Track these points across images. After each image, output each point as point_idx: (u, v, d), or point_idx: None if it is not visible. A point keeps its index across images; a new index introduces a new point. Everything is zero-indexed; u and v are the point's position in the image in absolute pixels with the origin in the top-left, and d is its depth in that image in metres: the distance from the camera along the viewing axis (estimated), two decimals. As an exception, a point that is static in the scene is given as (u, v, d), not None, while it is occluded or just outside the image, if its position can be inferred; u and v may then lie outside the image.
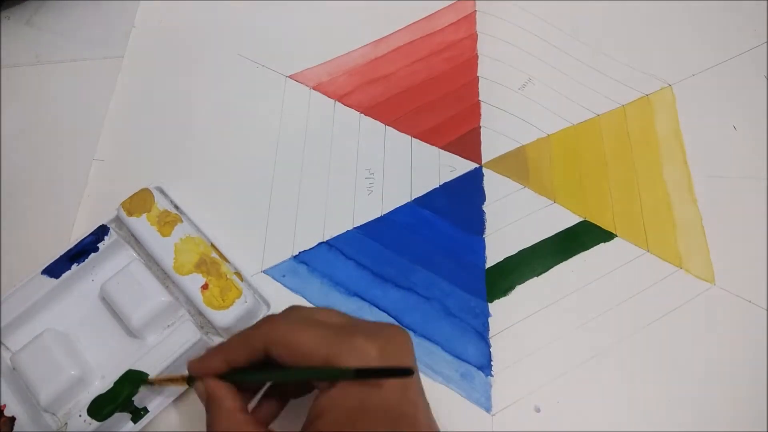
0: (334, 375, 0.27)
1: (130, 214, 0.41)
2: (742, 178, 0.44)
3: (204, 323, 0.39)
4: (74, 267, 0.40)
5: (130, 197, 0.42)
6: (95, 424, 0.34)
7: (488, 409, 0.37)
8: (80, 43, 0.53)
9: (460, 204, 0.44)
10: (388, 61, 0.51)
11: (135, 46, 0.52)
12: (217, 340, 0.39)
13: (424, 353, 0.39)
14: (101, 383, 0.37)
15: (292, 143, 0.47)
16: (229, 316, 0.38)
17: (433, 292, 0.41)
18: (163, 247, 0.40)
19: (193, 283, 0.39)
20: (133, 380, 0.35)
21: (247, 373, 0.29)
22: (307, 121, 0.48)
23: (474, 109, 0.48)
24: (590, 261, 0.42)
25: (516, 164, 0.45)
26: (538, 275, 0.41)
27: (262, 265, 0.42)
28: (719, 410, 0.37)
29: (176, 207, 0.43)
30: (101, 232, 0.41)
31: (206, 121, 0.48)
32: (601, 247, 0.42)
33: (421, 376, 0.38)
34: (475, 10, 0.53)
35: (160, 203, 0.42)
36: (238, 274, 0.40)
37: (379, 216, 0.44)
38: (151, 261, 0.40)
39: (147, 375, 0.36)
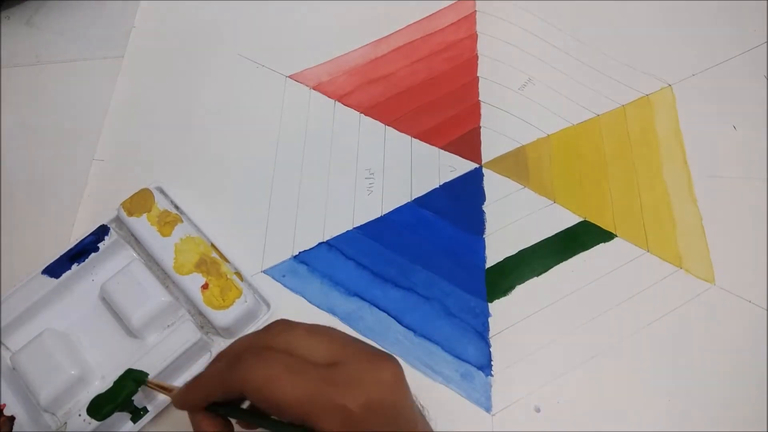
0: None
1: (130, 214, 0.41)
2: (742, 178, 0.44)
3: (204, 323, 0.39)
4: (74, 267, 0.40)
5: (131, 197, 0.42)
6: (95, 423, 0.35)
7: (488, 409, 0.37)
8: (80, 43, 0.53)
9: (460, 204, 0.44)
10: (388, 61, 0.51)
11: (135, 47, 0.52)
12: (217, 340, 0.39)
13: (424, 353, 0.39)
14: (101, 383, 0.37)
15: (292, 143, 0.47)
16: (229, 316, 0.38)
17: (433, 292, 0.41)
18: (164, 247, 0.40)
19: (193, 282, 0.39)
20: (133, 380, 0.35)
21: (229, 410, 0.29)
22: (307, 121, 0.48)
23: (474, 109, 0.48)
24: (590, 261, 0.42)
25: (516, 164, 0.45)
26: (538, 275, 0.41)
27: (262, 265, 0.42)
28: (719, 410, 0.37)
29: (176, 207, 0.43)
30: (101, 232, 0.41)
31: (206, 121, 0.49)
32: (601, 247, 0.42)
33: (422, 376, 0.38)
34: (475, 10, 0.53)
35: (161, 203, 0.42)
36: (238, 274, 0.40)
37: (379, 216, 0.44)
38: (151, 261, 0.40)
39: (147, 375, 0.36)
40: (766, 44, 0.50)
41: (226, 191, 0.45)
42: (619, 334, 0.39)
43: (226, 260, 0.40)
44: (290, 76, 0.50)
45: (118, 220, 0.42)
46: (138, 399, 0.36)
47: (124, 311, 0.38)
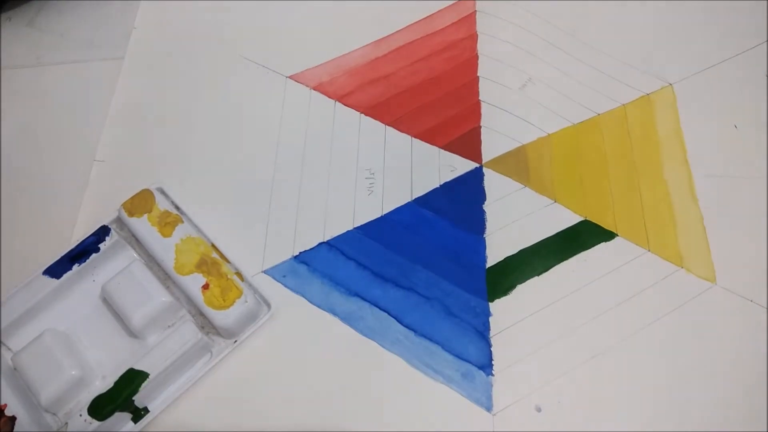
0: None
1: (131, 214, 0.41)
2: (743, 178, 0.44)
3: (205, 323, 0.39)
4: (75, 267, 0.40)
5: (131, 198, 0.42)
6: (96, 423, 0.35)
7: (489, 409, 0.37)
8: (81, 44, 0.53)
9: (460, 204, 0.44)
10: (389, 61, 0.51)
11: (135, 47, 0.52)
12: (217, 340, 0.39)
13: (425, 353, 0.39)
14: (102, 383, 0.37)
15: (292, 143, 0.47)
16: (229, 316, 0.38)
17: (434, 291, 0.41)
18: (164, 248, 0.40)
19: (193, 283, 0.39)
20: (133, 380, 0.35)
21: None
22: (308, 121, 0.48)
23: (474, 109, 0.48)
24: (591, 260, 0.41)
25: (516, 164, 0.45)
26: (538, 275, 0.41)
27: (262, 266, 0.42)
28: (719, 410, 0.37)
29: (177, 207, 0.43)
30: (102, 232, 0.41)
31: (206, 121, 0.49)
32: (602, 247, 0.42)
33: (422, 376, 0.38)
34: (475, 10, 0.53)
35: (161, 204, 0.42)
36: (238, 274, 0.40)
37: (379, 216, 0.44)
38: (151, 261, 0.41)
39: (148, 375, 0.36)
40: (766, 43, 0.50)
41: (227, 191, 0.45)
42: (620, 333, 0.39)
43: (227, 260, 0.40)
44: (290, 77, 0.50)
45: (118, 220, 0.42)
46: (139, 399, 0.36)
47: (125, 311, 0.38)
